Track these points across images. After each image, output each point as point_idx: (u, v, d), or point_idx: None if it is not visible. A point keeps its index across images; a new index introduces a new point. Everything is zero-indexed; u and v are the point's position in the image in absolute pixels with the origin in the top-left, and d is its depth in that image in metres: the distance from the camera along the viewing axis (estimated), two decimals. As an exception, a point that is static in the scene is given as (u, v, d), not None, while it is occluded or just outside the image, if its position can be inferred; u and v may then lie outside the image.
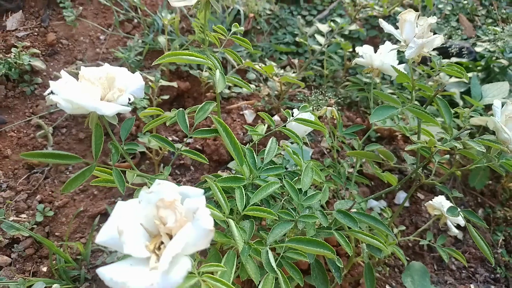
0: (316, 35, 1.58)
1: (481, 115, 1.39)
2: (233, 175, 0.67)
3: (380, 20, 0.75)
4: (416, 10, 1.89)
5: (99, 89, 0.56)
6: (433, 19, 0.70)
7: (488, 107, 1.39)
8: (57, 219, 1.35)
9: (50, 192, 1.40)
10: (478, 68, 1.70)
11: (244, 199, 0.63)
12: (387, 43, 1.01)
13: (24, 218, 1.32)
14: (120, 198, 1.41)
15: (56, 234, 1.31)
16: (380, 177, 1.08)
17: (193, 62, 0.64)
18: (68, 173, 1.46)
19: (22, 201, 1.37)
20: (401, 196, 1.41)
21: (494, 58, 1.62)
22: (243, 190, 0.64)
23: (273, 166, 0.74)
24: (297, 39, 1.69)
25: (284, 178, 0.74)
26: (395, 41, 1.07)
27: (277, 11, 1.85)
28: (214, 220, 0.63)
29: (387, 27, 0.74)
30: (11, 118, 1.53)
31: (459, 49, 1.75)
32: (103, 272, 0.43)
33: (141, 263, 0.44)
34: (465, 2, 1.96)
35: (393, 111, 0.67)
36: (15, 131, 1.51)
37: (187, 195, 0.48)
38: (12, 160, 1.46)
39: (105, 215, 1.35)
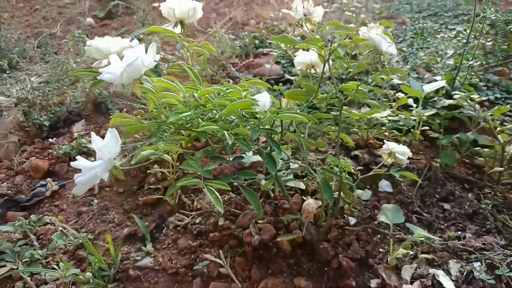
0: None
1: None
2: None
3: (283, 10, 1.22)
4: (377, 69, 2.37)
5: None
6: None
7: (426, 98, 1.69)
8: (96, 242, 1.62)
9: (92, 227, 1.72)
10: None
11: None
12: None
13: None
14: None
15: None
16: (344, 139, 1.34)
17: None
18: (108, 215, 1.79)
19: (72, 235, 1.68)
20: (383, 184, 1.58)
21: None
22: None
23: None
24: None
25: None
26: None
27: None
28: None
29: (289, 11, 1.19)
30: (68, 185, 1.98)
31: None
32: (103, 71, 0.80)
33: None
34: (421, 61, 2.43)
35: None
36: (69, 193, 1.93)
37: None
38: (67, 212, 1.83)
39: (131, 236, 1.62)
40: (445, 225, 1.38)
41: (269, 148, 1.07)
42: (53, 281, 1.47)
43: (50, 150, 2.14)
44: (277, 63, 2.64)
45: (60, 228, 1.73)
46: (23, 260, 1.54)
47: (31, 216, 1.72)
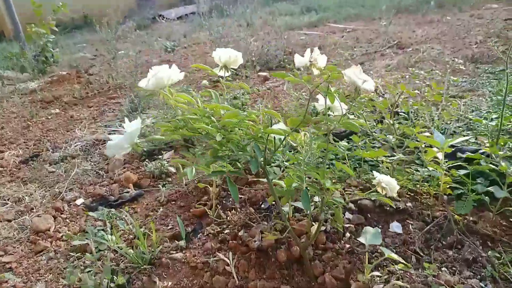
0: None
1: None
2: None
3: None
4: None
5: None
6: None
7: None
8: (150, 237, 2.03)
9: (151, 226, 2.14)
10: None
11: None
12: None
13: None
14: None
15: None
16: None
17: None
18: (166, 220, 2.20)
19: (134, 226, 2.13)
20: (394, 225, 1.65)
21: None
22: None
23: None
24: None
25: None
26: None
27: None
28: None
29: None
30: (146, 195, 2.49)
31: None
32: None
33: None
34: (485, 130, 2.40)
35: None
36: (146, 201, 2.43)
37: None
38: (138, 214, 2.31)
39: (175, 237, 1.98)
40: (441, 268, 1.38)
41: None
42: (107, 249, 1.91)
43: (142, 168, 2.73)
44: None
45: (125, 217, 2.21)
46: (96, 239, 2.04)
47: (112, 209, 2.25)
